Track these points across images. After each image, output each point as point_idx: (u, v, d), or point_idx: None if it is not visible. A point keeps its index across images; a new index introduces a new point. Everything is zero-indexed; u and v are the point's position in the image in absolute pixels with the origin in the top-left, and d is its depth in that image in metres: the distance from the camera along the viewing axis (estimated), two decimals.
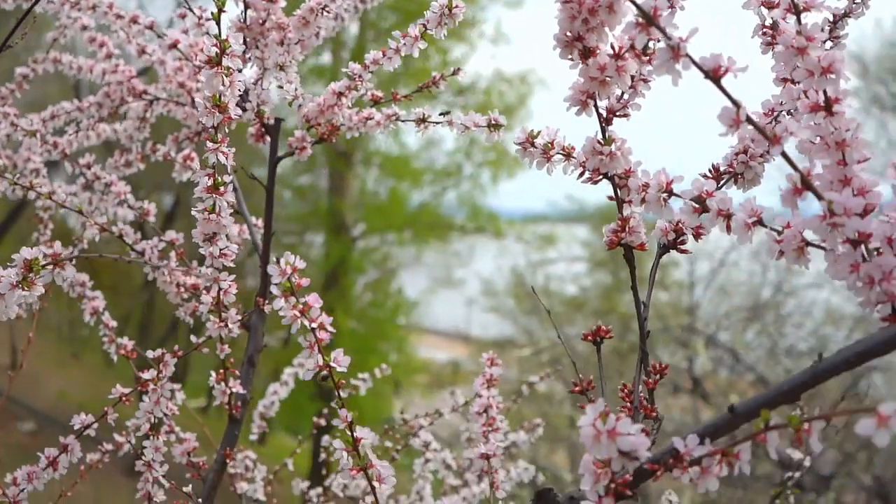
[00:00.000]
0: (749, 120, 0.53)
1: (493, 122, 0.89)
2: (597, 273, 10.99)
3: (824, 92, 0.56)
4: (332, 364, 0.67)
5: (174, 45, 1.08)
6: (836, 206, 0.53)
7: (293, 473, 1.58)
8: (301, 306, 0.65)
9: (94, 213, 1.16)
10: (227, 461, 1.04)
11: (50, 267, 0.70)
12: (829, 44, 0.75)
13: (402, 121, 1.03)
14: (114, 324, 1.15)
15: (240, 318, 0.95)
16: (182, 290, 1.07)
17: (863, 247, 0.56)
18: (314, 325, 0.65)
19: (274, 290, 0.65)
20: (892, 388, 6.88)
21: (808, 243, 0.57)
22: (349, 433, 0.68)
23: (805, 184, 0.54)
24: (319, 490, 1.41)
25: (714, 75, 0.53)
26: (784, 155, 0.54)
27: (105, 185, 1.17)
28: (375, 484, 0.68)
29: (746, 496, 6.43)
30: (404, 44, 0.96)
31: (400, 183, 11.82)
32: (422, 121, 1.00)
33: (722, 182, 0.72)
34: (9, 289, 0.69)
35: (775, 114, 0.72)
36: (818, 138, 0.58)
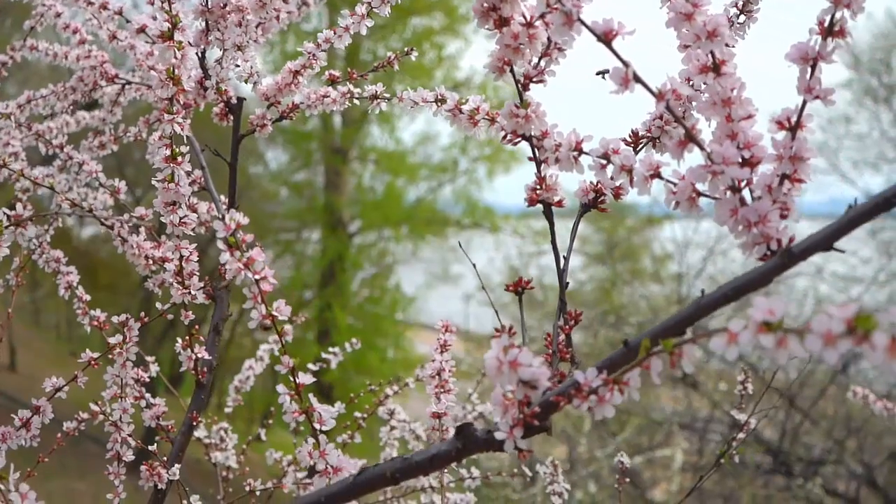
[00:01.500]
0: (637, 78, 0.58)
1: (439, 97, 0.95)
2: (592, 267, 11.07)
3: (712, 54, 0.62)
4: (275, 313, 0.72)
5: (142, 30, 1.13)
6: (715, 156, 0.58)
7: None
8: (245, 259, 0.70)
9: (68, 192, 1.21)
10: (194, 424, 1.10)
11: (12, 228, 0.76)
12: (742, 17, 0.80)
13: (357, 98, 1.08)
14: (87, 297, 1.20)
15: (202, 285, 1.00)
16: (150, 262, 1.12)
17: (748, 194, 0.61)
18: (258, 277, 0.71)
19: (220, 244, 0.70)
20: (880, 373, 6.94)
21: (700, 193, 0.63)
22: (292, 379, 0.73)
23: (689, 137, 0.60)
24: (290, 458, 1.47)
25: (606, 38, 0.59)
26: (670, 111, 0.59)
27: (78, 165, 1.22)
28: (317, 426, 0.74)
29: (734, 485, 6.50)
30: (353, 22, 1.02)
31: (396, 179, 11.87)
32: (374, 97, 1.06)
33: (640, 146, 0.77)
34: None
35: (691, 81, 0.77)
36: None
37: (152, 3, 1.19)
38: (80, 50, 1.31)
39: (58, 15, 1.29)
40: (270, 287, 0.72)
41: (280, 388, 0.73)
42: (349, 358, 1.57)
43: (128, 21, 1.20)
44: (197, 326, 1.07)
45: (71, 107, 1.32)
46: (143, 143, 1.32)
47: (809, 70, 0.60)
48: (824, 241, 0.55)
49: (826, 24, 0.60)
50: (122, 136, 1.33)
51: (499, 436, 0.63)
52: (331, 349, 1.52)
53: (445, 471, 1.34)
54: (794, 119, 0.60)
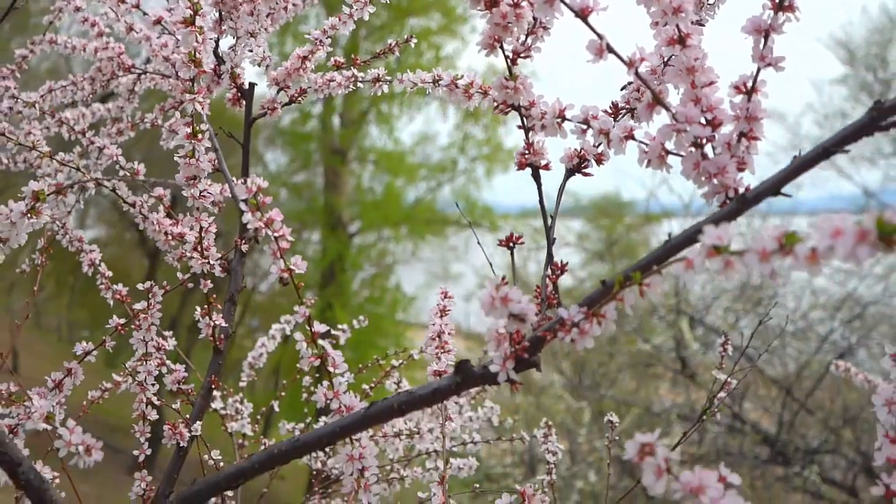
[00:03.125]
0: (609, 49, 0.67)
1: (436, 78, 1.03)
2: (591, 264, 11.16)
3: (678, 28, 0.70)
4: (293, 267, 0.80)
5: (158, 22, 1.21)
6: (679, 116, 0.66)
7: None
8: (265, 219, 0.78)
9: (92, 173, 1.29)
10: (213, 388, 1.17)
11: (54, 195, 0.84)
12: None
13: (361, 82, 1.16)
14: (110, 273, 1.28)
15: (220, 256, 1.08)
16: (169, 238, 1.20)
17: (710, 150, 0.69)
18: (277, 234, 0.79)
19: (242, 206, 0.78)
20: (875, 364, 7.02)
21: (668, 151, 0.71)
22: (308, 328, 0.82)
23: (656, 99, 0.68)
24: (301, 426, 1.55)
25: (582, 14, 0.67)
26: (638, 76, 0.68)
27: (98, 150, 1.30)
28: (331, 369, 0.82)
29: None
30: (356, 9, 1.10)
31: (395, 179, 11.97)
32: (377, 80, 1.14)
33: (620, 115, 0.85)
34: (20, 216, 0.83)
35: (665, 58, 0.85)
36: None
37: None
38: (98, 42, 1.39)
39: (77, 9, 1.37)
40: (288, 244, 0.80)
41: (297, 335, 0.81)
42: (350, 359, 1.63)
43: (145, 14, 1.29)
44: (214, 296, 1.15)
45: (90, 96, 1.40)
46: (146, 140, 1.40)
47: (763, 40, 0.68)
48: (773, 187, 0.63)
49: (777, 0, 0.68)
50: (138, 123, 1.41)
51: (493, 368, 0.71)
52: (339, 326, 1.59)
53: (449, 437, 1.42)
54: (749, 84, 0.69)
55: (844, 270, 8.60)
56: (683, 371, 6.73)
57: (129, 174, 1.28)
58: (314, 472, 1.52)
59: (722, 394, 1.28)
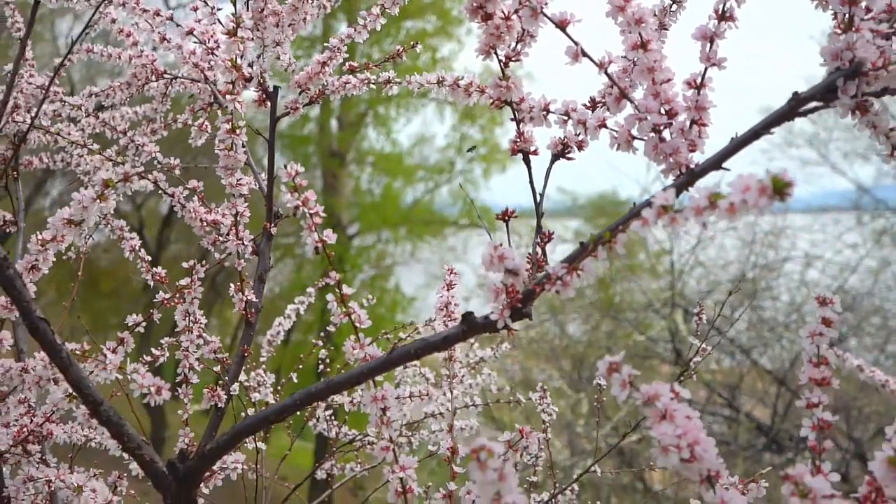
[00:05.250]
0: (584, 54, 0.82)
1: (440, 79, 1.18)
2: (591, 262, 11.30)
3: (640, 35, 0.85)
4: (325, 238, 0.95)
5: (190, 32, 1.36)
6: (641, 107, 0.82)
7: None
8: (302, 199, 0.94)
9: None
10: (245, 356, 1.33)
11: (121, 183, 0.99)
12: (674, 6, 1.04)
13: (373, 83, 1.32)
14: (149, 258, 1.43)
15: (253, 237, 1.24)
16: (204, 224, 1.35)
17: (668, 135, 0.85)
18: (311, 211, 0.94)
19: (282, 188, 0.93)
20: (867, 354, 7.18)
21: (633, 136, 0.86)
22: (338, 290, 0.97)
23: (622, 94, 0.83)
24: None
25: (562, 25, 0.82)
26: (608, 76, 0.83)
27: (136, 147, 1.45)
28: (357, 325, 0.97)
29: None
30: (369, 20, 1.26)
31: (393, 180, 12.12)
32: (387, 82, 1.29)
33: (598, 107, 1.00)
34: (91, 202, 0.98)
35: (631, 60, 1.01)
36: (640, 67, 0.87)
37: (195, 10, 1.43)
38: (133, 51, 1.54)
39: (113, 21, 1.53)
40: (320, 220, 0.95)
41: (329, 296, 0.97)
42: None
43: (178, 25, 1.44)
44: (247, 274, 1.30)
45: (126, 100, 1.55)
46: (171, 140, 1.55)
47: (709, 44, 0.83)
48: (715, 164, 0.78)
49: (720, 11, 0.83)
50: (171, 122, 1.56)
51: (493, 317, 0.86)
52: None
53: (455, 401, 1.57)
54: (699, 81, 0.84)
55: (838, 264, 8.77)
56: (678, 362, 6.89)
57: (166, 167, 1.43)
58: (331, 440, 1.67)
59: (697, 358, 1.43)
